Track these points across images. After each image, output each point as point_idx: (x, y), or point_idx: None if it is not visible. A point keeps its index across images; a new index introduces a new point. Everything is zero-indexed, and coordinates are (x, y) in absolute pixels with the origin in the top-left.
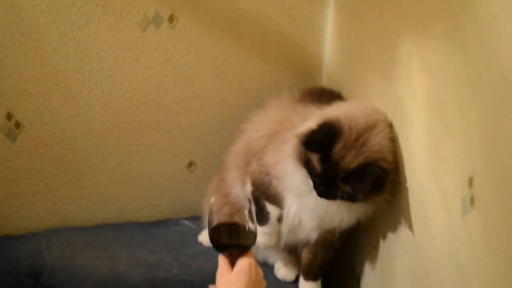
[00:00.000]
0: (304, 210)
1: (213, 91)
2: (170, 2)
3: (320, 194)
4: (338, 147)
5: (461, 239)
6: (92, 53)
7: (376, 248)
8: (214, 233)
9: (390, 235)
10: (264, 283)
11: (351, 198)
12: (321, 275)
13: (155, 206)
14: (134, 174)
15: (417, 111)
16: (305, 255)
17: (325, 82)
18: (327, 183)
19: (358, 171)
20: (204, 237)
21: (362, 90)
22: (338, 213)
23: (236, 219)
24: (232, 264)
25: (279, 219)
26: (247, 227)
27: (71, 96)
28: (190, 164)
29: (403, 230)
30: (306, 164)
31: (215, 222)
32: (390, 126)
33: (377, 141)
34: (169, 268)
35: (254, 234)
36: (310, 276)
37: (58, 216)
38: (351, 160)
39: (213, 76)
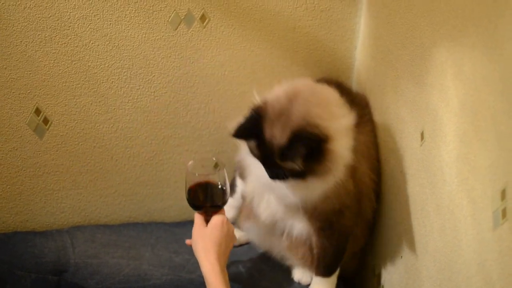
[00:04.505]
0: (271, 194)
1: (242, 92)
2: (202, 2)
3: (271, 177)
4: (267, 129)
5: (491, 251)
6: (123, 50)
7: (403, 258)
8: (191, 192)
9: (418, 245)
10: (235, 239)
11: (297, 174)
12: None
13: (181, 206)
14: (161, 173)
15: (450, 119)
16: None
17: (355, 86)
18: (269, 165)
19: (289, 144)
20: None
21: (393, 96)
22: (299, 192)
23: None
24: (207, 221)
25: (243, 196)
26: (219, 187)
27: (100, 93)
28: (216, 165)
29: (431, 240)
30: (252, 153)
31: (192, 182)
32: (314, 92)
33: (299, 110)
34: (193, 269)
35: (226, 194)
36: (319, 270)
37: (83, 214)
38: (281, 136)
39: (242, 77)
